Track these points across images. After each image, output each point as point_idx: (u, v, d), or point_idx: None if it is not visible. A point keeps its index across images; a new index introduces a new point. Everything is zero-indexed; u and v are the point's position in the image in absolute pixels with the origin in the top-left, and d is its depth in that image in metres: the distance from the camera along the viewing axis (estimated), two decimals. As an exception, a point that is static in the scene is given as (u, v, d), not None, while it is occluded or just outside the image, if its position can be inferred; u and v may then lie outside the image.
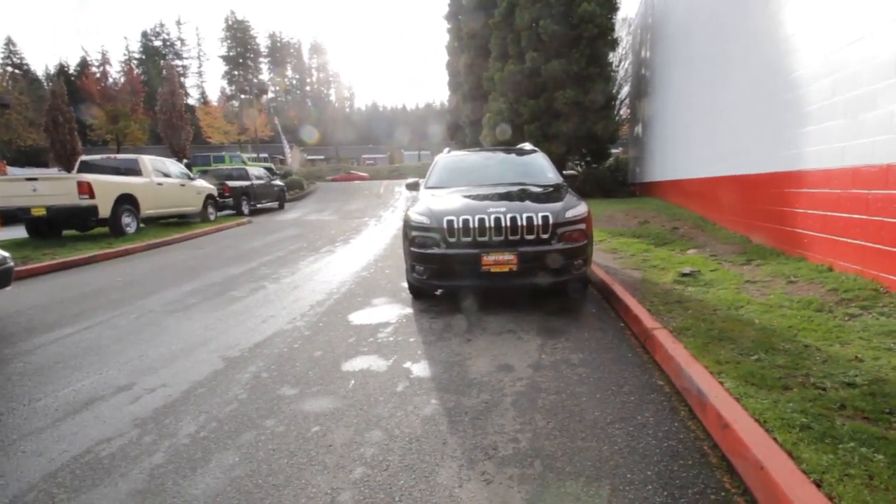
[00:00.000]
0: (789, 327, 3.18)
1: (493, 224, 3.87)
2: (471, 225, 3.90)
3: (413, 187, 5.62)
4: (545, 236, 3.90)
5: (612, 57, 14.76)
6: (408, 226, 4.28)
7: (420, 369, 2.97)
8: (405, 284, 5.42)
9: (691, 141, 8.79)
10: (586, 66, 13.75)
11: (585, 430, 2.17)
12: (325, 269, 6.66)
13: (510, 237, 3.88)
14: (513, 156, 5.79)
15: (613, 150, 18.66)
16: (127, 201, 9.31)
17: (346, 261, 7.24)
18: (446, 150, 6.15)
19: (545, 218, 3.88)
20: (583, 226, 4.04)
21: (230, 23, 57.38)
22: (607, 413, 2.31)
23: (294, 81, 65.15)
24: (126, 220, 9.34)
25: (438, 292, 4.72)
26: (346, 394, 2.66)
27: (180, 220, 12.17)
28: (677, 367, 2.55)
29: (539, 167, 5.40)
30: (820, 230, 4.47)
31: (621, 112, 20.36)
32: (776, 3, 5.38)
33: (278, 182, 18.89)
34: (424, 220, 4.11)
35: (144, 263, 7.42)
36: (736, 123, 6.49)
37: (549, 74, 13.67)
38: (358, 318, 4.21)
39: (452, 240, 3.95)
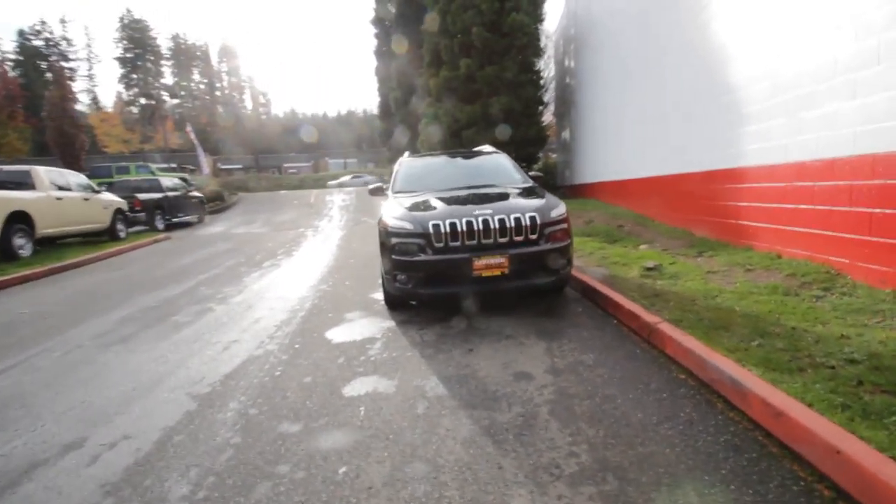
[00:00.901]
0: (769, 312, 3.37)
1: (481, 227, 3.72)
2: (458, 228, 3.72)
3: (377, 192, 5.32)
4: (533, 237, 3.82)
5: (539, 65, 15.36)
6: (386, 233, 4.00)
7: (433, 386, 2.72)
8: (375, 296, 5.10)
9: (627, 144, 9.32)
10: (518, 74, 14.17)
11: (638, 434, 2.08)
12: (276, 284, 6.10)
13: (499, 239, 3.76)
14: (476, 158, 5.70)
15: (538, 155, 19.47)
16: (19, 220, 7.91)
17: (296, 275, 6.70)
18: (406, 154, 5.92)
19: (532, 218, 3.81)
20: (565, 225, 4.02)
21: (126, 22, 52.01)
22: (649, 414, 2.25)
23: (202, 86, 60.59)
24: (18, 241, 7.93)
25: (414, 302, 4.47)
26: (361, 423, 2.34)
27: (85, 240, 10.62)
28: (699, 359, 2.56)
29: (505, 169, 5.35)
30: (766, 221, 4.88)
31: (545, 118, 21.30)
32: (707, 14, 5.84)
33: (196, 193, 17.29)
34: (406, 225, 3.86)
35: (53, 291, 6.30)
36: (674, 126, 6.96)
37: (484, 81, 13.89)
38: (337, 335, 3.84)
39: (440, 245, 3.74)
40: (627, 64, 8.95)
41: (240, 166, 47.87)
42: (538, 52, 14.77)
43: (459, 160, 5.64)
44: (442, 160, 5.67)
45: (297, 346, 3.63)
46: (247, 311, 4.84)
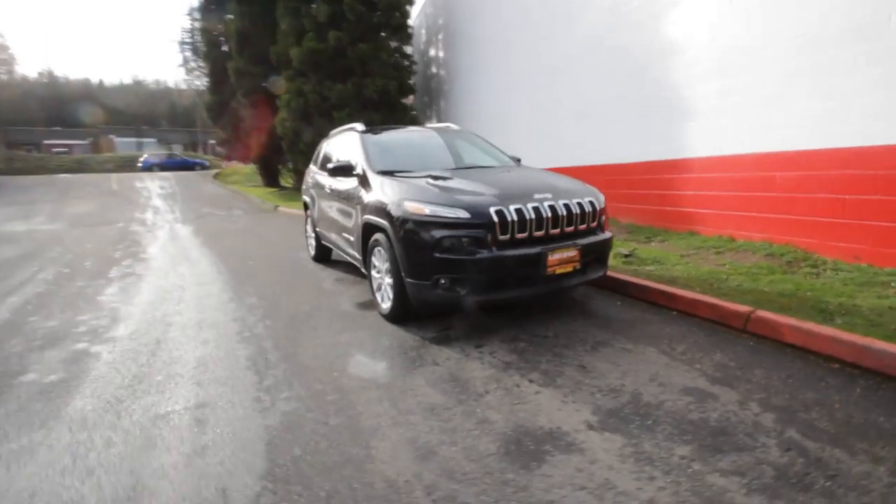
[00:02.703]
0: (797, 290, 3.54)
1: (549, 214, 3.05)
2: (526, 216, 2.97)
3: (342, 172, 4.07)
4: (594, 225, 3.33)
5: (410, 50, 14.75)
6: (419, 223, 2.98)
7: (624, 429, 1.99)
8: (345, 307, 3.95)
9: (534, 135, 9.32)
10: (392, 55, 13.34)
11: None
12: (167, 302, 4.24)
13: (566, 228, 3.14)
14: (450, 133, 4.84)
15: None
16: None
17: (185, 287, 4.81)
18: (359, 126, 4.70)
19: (592, 204, 3.30)
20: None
21: None
22: (890, 416, 1.99)
23: None
24: None
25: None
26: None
27: None
28: (853, 345, 2.44)
29: (489, 148, 4.70)
30: (712, 207, 5.35)
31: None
32: (655, 18, 6.17)
33: (-82, 175, 11.61)
34: (458, 212, 2.91)
35: None
36: (602, 123, 7.13)
37: (357, 58, 12.63)
38: (371, 370, 2.69)
39: (505, 237, 2.93)
40: (540, 61, 8.92)
41: (-32, 141, 34.48)
42: (408, 35, 14.14)
43: (436, 135, 4.71)
44: (416, 136, 4.67)
45: (330, 398, 2.39)
46: (160, 349, 3.15)
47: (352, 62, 12.74)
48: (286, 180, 19.22)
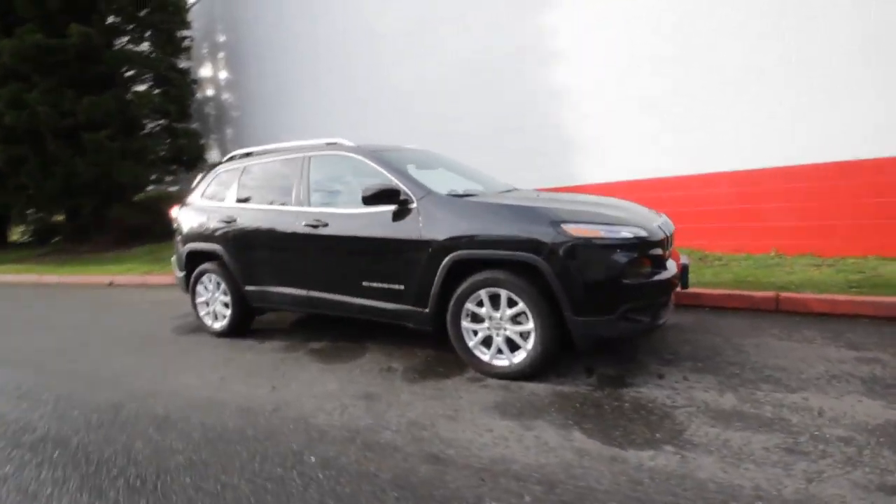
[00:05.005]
0: (741, 277, 4.64)
1: (672, 229, 3.09)
2: (668, 233, 2.92)
3: (382, 199, 3.00)
4: (667, 240, 3.54)
5: (184, 65, 11.95)
6: (596, 250, 2.53)
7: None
8: (410, 381, 2.95)
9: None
10: (167, 68, 10.66)
11: None
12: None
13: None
14: (440, 156, 4.22)
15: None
16: None
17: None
18: (345, 142, 3.57)
19: (664, 219, 3.50)
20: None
21: None
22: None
23: None
24: None
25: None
26: None
27: None
28: (878, 303, 3.37)
29: (481, 172, 4.33)
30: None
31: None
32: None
33: None
34: (638, 232, 2.65)
35: None
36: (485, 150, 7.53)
37: (118, 64, 9.54)
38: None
39: (667, 255, 2.80)
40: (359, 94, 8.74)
41: None
42: (184, 47, 11.61)
43: (433, 156, 4.03)
44: (416, 155, 3.85)
45: None
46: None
47: (109, 70, 9.56)
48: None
